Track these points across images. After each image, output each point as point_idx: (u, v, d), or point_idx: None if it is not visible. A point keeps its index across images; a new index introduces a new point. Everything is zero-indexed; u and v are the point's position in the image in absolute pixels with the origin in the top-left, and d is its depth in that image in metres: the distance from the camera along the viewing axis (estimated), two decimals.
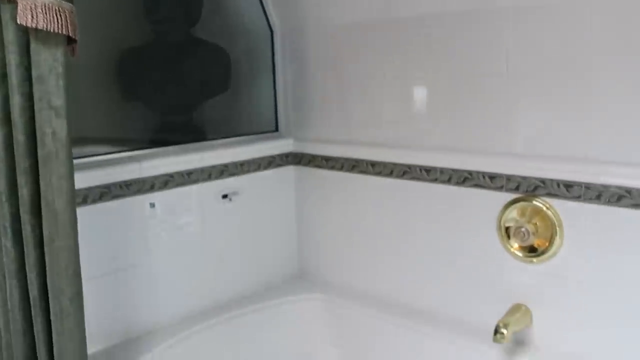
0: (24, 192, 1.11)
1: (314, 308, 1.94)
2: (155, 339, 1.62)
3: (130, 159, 1.62)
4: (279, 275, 2.04)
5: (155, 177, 1.65)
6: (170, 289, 1.72)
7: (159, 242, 1.68)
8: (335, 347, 1.90)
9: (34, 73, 1.07)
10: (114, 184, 1.56)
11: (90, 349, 1.32)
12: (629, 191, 1.33)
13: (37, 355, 1.18)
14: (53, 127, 1.08)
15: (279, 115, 2.05)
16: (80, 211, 1.42)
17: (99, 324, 1.54)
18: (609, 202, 1.36)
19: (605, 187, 1.36)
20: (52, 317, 1.14)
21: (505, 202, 1.54)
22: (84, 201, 1.49)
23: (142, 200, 1.63)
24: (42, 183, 1.10)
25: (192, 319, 1.74)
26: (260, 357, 1.81)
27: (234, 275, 1.89)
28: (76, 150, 1.51)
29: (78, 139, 1.54)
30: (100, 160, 1.59)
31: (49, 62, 1.06)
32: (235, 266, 1.89)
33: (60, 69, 1.07)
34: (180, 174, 1.71)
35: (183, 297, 1.76)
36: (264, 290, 1.97)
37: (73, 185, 1.12)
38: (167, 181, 1.68)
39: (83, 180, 1.47)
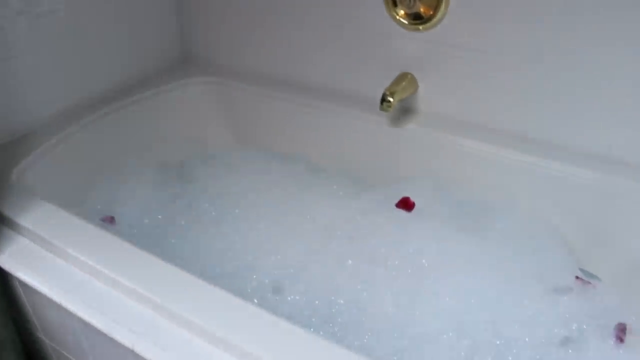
0: None
1: (202, 91, 1.89)
2: (35, 140, 1.53)
3: None
4: (162, 60, 1.94)
5: None
6: (43, 86, 1.58)
7: (20, 36, 1.50)
8: (227, 128, 1.90)
9: None
10: None
11: None
12: None
13: None
14: None
15: None
16: None
17: None
18: None
19: None
20: None
21: None
22: None
23: None
24: None
25: (73, 115, 1.64)
26: (151, 145, 1.77)
27: (112, 63, 1.76)
28: None
29: None
30: None
31: None
32: (112, 54, 1.75)
33: None
34: None
35: (59, 93, 1.63)
36: (148, 77, 1.87)
37: None
38: None
39: None
